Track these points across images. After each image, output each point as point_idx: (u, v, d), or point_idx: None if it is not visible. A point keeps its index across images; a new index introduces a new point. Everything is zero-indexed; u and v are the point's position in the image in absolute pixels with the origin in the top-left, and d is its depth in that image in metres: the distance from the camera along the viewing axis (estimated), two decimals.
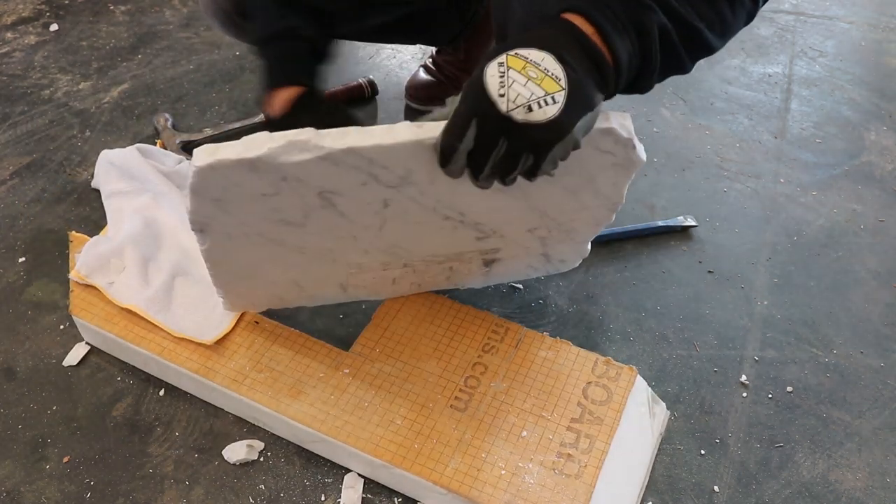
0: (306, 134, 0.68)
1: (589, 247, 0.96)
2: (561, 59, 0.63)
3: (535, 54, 0.63)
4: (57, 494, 0.83)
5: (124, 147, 1.16)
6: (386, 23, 1.05)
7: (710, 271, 1.11)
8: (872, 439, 0.90)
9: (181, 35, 1.59)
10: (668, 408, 0.91)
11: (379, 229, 0.80)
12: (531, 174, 0.67)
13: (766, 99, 1.47)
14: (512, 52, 0.63)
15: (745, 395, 0.95)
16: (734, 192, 1.25)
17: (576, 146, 0.67)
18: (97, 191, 1.16)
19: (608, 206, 0.85)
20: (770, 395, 0.95)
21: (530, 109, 0.62)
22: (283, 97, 0.86)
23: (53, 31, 1.58)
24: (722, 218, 1.20)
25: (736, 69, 1.54)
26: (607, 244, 1.13)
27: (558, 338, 0.93)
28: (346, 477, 0.84)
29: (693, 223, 1.16)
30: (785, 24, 1.71)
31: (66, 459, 0.86)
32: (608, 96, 0.68)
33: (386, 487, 0.84)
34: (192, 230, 0.75)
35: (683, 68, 0.73)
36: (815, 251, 1.15)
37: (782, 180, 1.28)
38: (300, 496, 0.83)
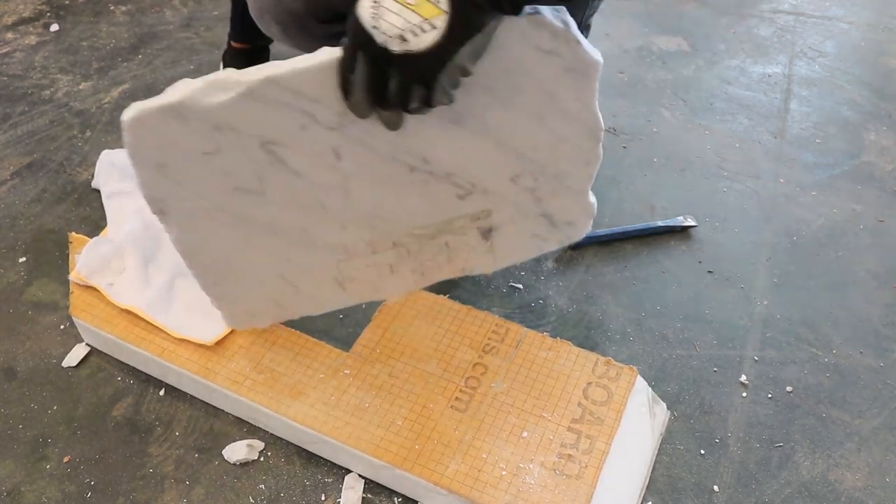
0: (225, 73, 0.67)
1: (593, 200, 0.87)
2: None
3: None
4: (57, 494, 0.83)
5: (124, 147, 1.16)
6: None
7: (710, 271, 1.11)
8: (872, 439, 0.90)
9: (181, 35, 1.59)
10: (668, 408, 0.91)
11: (344, 192, 0.77)
12: (427, 104, 0.64)
13: (765, 99, 1.47)
14: None
15: (744, 394, 0.95)
16: (734, 192, 1.25)
17: (464, 73, 0.64)
18: (98, 191, 1.16)
19: (586, 134, 0.77)
20: (770, 395, 0.95)
21: (404, 39, 0.59)
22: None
23: (54, 32, 1.58)
24: (722, 218, 1.20)
25: (736, 69, 1.55)
26: (607, 244, 1.13)
27: (558, 338, 0.93)
28: (346, 477, 0.84)
29: (693, 223, 1.16)
30: (785, 24, 1.71)
31: (66, 459, 0.86)
32: (512, 12, 0.63)
33: (386, 488, 0.84)
34: (153, 213, 0.74)
35: None
36: (814, 251, 1.15)
37: (782, 180, 1.28)
38: (300, 496, 0.83)
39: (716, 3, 1.77)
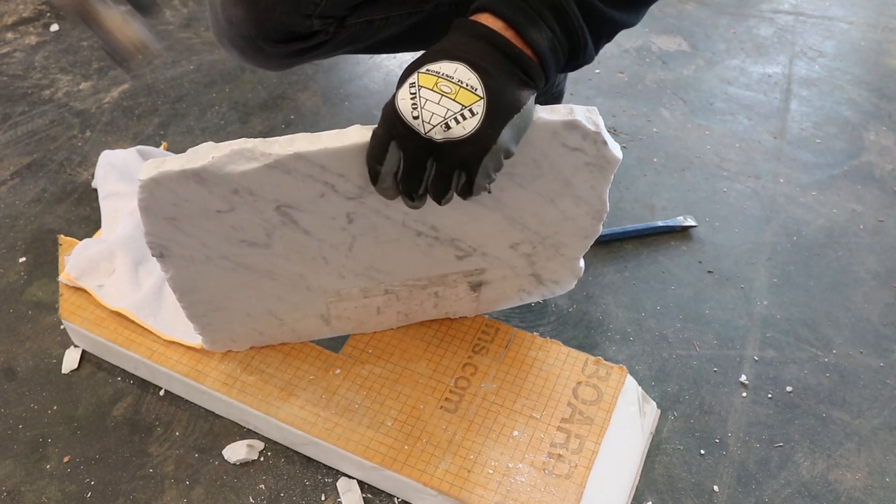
0: (252, 142, 0.67)
1: (582, 264, 0.91)
2: (475, 67, 0.61)
3: (446, 67, 0.61)
4: (57, 494, 0.83)
5: (125, 147, 1.16)
6: (393, 35, 1.05)
7: (709, 271, 1.11)
8: (872, 439, 0.90)
9: (181, 35, 1.59)
10: (667, 408, 0.91)
11: (349, 249, 0.77)
12: (467, 192, 0.64)
13: (765, 99, 1.47)
14: (423, 70, 0.61)
15: (744, 394, 0.95)
16: (734, 192, 1.25)
17: (507, 154, 0.64)
18: (98, 191, 1.16)
19: (592, 215, 0.81)
20: (770, 395, 0.95)
21: (448, 127, 0.60)
22: None
23: (54, 32, 1.58)
24: (722, 218, 1.20)
25: (736, 69, 1.55)
26: (607, 244, 1.13)
27: (552, 338, 0.93)
28: (343, 480, 0.84)
29: (693, 223, 1.16)
30: (785, 24, 1.71)
31: (66, 459, 0.86)
32: (541, 88, 0.66)
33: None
34: (152, 255, 0.73)
35: (624, 24, 0.69)
36: (814, 251, 1.15)
37: (782, 180, 1.28)
38: (300, 496, 0.83)
39: (716, 3, 1.77)
